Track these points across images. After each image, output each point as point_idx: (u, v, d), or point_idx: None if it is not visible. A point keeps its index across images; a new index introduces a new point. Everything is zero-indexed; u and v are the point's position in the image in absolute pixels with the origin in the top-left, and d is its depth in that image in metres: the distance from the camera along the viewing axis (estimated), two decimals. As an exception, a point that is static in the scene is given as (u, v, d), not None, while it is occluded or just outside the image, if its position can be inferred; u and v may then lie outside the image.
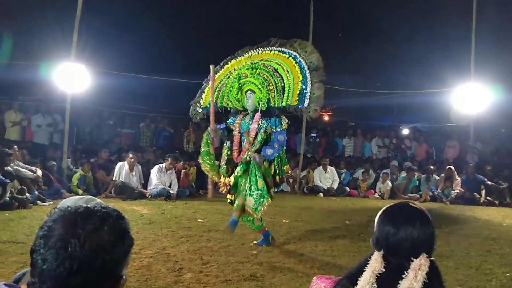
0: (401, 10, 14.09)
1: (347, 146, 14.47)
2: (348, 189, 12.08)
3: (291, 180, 12.32)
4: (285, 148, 5.55)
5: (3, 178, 7.57)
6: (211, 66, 5.40)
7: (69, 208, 1.20)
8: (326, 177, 12.05)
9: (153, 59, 13.75)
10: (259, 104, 5.24)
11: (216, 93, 5.61)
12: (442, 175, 11.62)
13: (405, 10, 14.09)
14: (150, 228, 6.43)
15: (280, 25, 14.30)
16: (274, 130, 5.20)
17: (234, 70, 5.53)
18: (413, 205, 1.88)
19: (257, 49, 5.60)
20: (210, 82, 5.45)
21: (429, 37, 14.50)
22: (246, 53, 5.65)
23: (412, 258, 1.72)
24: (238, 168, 5.27)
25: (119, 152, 11.19)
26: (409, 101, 16.32)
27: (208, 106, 5.62)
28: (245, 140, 5.27)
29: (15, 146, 8.96)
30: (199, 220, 7.18)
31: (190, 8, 12.71)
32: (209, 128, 5.34)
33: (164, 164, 10.08)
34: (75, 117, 10.94)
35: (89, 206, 1.21)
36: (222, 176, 5.42)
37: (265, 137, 5.22)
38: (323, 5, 13.10)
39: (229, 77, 5.55)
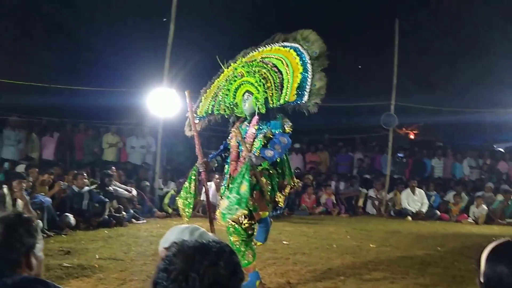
0: (492, 23, 13.38)
1: (436, 167, 13.77)
2: (438, 212, 11.49)
3: (376, 203, 12.00)
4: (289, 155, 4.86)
5: (103, 197, 8.16)
6: (186, 92, 4.84)
7: (187, 243, 1.29)
8: (415, 199, 11.57)
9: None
10: (257, 106, 4.59)
11: (212, 100, 4.99)
12: (545, 199, 10.72)
13: (496, 23, 13.36)
14: (237, 249, 6.56)
15: (365, 43, 14.19)
16: (274, 133, 4.52)
17: (233, 72, 4.91)
18: None
19: (258, 48, 4.97)
20: (188, 110, 4.81)
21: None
22: (247, 54, 5.01)
23: None
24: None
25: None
26: (504, 119, 15.30)
27: (204, 115, 5.03)
28: (242, 149, 4.53)
29: (113, 167, 9.62)
30: (284, 242, 7.20)
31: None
32: (197, 162, 4.68)
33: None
34: (166, 139, 11.52)
35: (204, 241, 1.30)
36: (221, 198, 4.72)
37: (264, 143, 4.50)
38: (408, 21, 12.81)
39: (226, 80, 4.93)
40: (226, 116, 4.94)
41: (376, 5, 13.67)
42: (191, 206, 4.72)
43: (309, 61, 4.65)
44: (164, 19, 10.18)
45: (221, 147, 4.94)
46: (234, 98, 4.74)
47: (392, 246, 7.24)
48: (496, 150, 15.56)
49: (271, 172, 4.52)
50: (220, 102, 4.87)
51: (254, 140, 4.55)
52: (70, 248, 6.04)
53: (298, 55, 4.69)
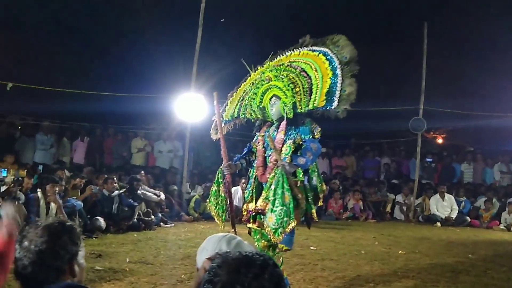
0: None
1: (466, 172, 13.54)
2: (468, 219, 11.26)
3: (404, 208, 11.84)
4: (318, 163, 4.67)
5: (132, 201, 8.30)
6: (214, 94, 4.73)
7: (231, 255, 1.31)
8: (444, 205, 11.37)
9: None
10: (284, 111, 4.47)
11: (238, 104, 4.92)
12: None
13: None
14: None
15: (394, 47, 14.04)
16: (304, 139, 4.38)
17: (260, 76, 4.78)
18: None
19: (286, 52, 4.86)
20: (216, 112, 4.74)
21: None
22: (275, 59, 4.89)
23: None
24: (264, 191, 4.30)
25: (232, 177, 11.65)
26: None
27: (230, 119, 4.97)
28: (271, 154, 4.42)
29: (142, 172, 9.77)
30: (311, 248, 7.17)
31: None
32: (222, 165, 4.61)
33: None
34: (193, 143, 11.63)
35: (247, 253, 1.32)
36: (245, 202, 4.66)
37: (293, 149, 4.36)
38: (437, 25, 12.62)
39: (253, 84, 4.82)
40: (252, 120, 4.84)
41: (404, 8, 13.51)
42: (224, 208, 4.64)
43: (338, 66, 4.51)
44: (222, 20, 10.22)
45: (245, 149, 4.81)
46: (261, 102, 4.62)
47: (421, 253, 7.13)
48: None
49: (306, 185, 4.41)
50: (247, 106, 4.79)
51: (282, 146, 4.45)
52: (101, 251, 6.15)
53: (327, 59, 4.56)
